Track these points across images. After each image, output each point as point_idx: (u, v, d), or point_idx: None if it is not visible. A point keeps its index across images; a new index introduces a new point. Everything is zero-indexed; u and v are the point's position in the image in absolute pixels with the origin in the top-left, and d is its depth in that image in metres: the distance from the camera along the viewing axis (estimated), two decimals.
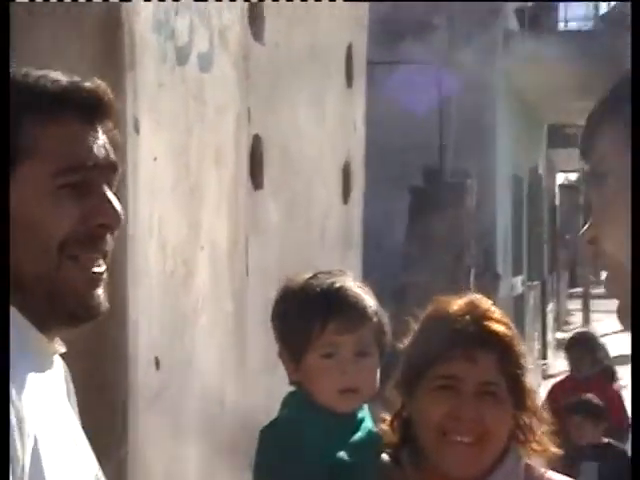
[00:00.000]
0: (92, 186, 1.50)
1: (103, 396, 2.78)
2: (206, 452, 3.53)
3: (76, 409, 1.64)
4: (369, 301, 2.15)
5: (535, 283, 14.75)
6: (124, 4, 2.82)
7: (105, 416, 2.84)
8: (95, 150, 1.49)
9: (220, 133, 3.55)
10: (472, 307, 2.22)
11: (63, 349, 1.57)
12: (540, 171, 16.19)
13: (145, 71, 2.95)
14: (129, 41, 2.86)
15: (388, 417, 2.21)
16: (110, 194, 1.51)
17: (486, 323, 2.19)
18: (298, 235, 4.38)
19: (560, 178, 22.96)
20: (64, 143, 1.48)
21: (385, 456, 2.16)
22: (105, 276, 1.52)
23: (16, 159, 1.45)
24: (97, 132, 1.51)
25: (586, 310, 21.96)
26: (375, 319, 2.13)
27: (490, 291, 7.50)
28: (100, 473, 1.63)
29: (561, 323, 20.21)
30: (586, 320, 21.05)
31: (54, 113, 1.48)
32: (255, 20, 3.85)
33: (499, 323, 2.21)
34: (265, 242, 4.02)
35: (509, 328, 2.22)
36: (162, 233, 3.10)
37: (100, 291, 1.50)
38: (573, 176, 24.02)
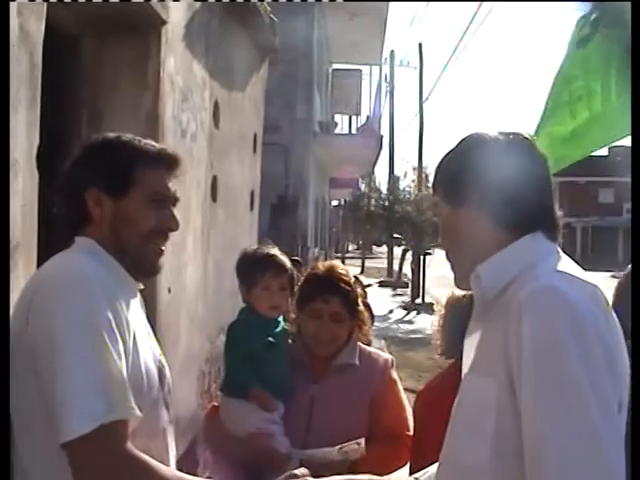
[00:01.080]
0: (166, 205, 1.97)
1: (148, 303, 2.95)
2: (190, 329, 4.80)
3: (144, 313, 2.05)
4: (286, 261, 2.87)
5: (322, 250, 23.17)
6: (160, 103, 3.96)
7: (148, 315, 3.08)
8: (169, 186, 1.98)
9: (199, 172, 5.07)
10: (329, 268, 2.94)
11: (142, 286, 2.01)
12: (325, 198, 26.21)
13: (167, 141, 4.15)
14: (161, 125, 4.09)
15: (291, 323, 2.94)
16: (174, 211, 1.99)
17: (335, 277, 2.87)
18: (231, 226, 6.06)
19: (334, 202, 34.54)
20: (156, 180, 1.94)
21: (290, 340, 2.91)
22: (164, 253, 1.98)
23: (131, 185, 1.91)
24: (171, 176, 1.98)
25: (343, 264, 27.95)
26: (289, 270, 2.85)
27: (304, 254, 13.30)
28: (160, 352, 2.07)
29: None
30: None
31: (152, 163, 1.93)
32: (215, 116, 5.42)
33: (343, 277, 2.88)
34: (217, 231, 5.62)
35: (349, 279, 2.91)
36: None
37: (161, 261, 2.00)
38: (335, 202, 35.90)
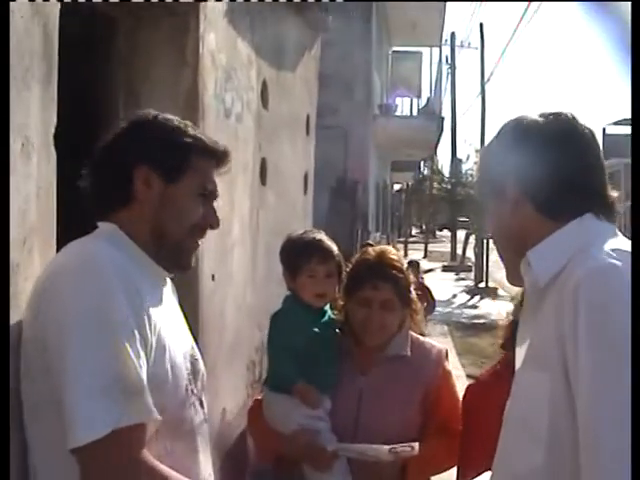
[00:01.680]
0: (210, 200, 1.92)
1: (188, 296, 3.16)
2: (237, 317, 4.72)
3: (177, 302, 2.01)
4: (333, 246, 2.79)
5: (383, 235, 23.16)
6: (200, 81, 3.78)
7: (190, 312, 2.98)
8: (215, 179, 1.93)
9: (246, 154, 4.88)
10: (380, 253, 2.81)
11: (172, 275, 1.97)
12: (387, 182, 25.50)
13: (208, 121, 3.97)
14: (201, 105, 3.88)
15: (339, 311, 2.84)
16: (217, 208, 1.93)
17: (386, 263, 2.76)
18: (283, 210, 5.97)
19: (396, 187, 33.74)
20: (207, 171, 1.90)
21: (338, 330, 2.82)
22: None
23: (185, 171, 1.83)
24: (218, 171, 1.94)
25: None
26: (336, 257, 2.78)
27: (364, 239, 13.85)
28: (194, 344, 1.99)
29: None
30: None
31: (206, 154, 1.89)
32: (263, 97, 5.26)
33: (395, 262, 2.77)
34: (266, 213, 5.44)
35: (401, 265, 2.79)
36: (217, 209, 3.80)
37: (195, 256, 1.93)
38: (398, 186, 35.42)
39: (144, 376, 1.64)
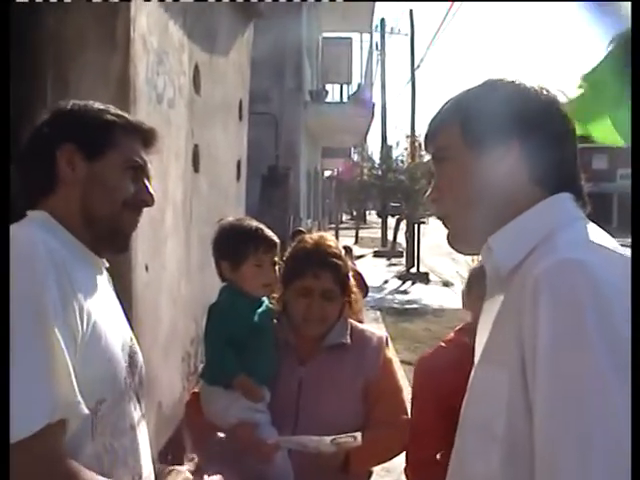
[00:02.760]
0: (141, 177, 1.88)
1: (121, 288, 3.37)
2: (172, 309, 4.67)
3: (114, 293, 1.96)
4: (274, 235, 2.75)
5: (315, 221, 23.40)
6: (131, 66, 3.71)
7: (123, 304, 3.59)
8: (144, 156, 1.89)
9: (178, 141, 4.81)
10: (318, 240, 2.78)
11: (107, 264, 1.93)
12: (318, 168, 25.77)
13: (140, 106, 3.94)
14: (132, 89, 3.81)
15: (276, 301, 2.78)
16: (149, 184, 1.90)
17: (324, 251, 2.72)
18: (216, 198, 5.91)
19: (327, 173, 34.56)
20: (133, 146, 1.86)
21: (275, 320, 2.76)
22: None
23: (108, 147, 1.80)
24: (146, 150, 1.91)
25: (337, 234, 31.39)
26: (277, 245, 2.74)
27: (296, 226, 13.35)
28: (132, 334, 1.92)
29: None
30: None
31: (129, 130, 1.87)
32: (196, 82, 5.21)
33: (333, 250, 2.74)
34: (199, 201, 5.39)
35: (339, 252, 2.76)
36: None
37: (132, 236, 1.90)
38: (327, 173, 36.35)
39: (71, 367, 1.57)
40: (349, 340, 2.74)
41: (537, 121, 1.47)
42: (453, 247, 1.61)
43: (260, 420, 2.58)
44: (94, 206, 1.79)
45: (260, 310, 2.69)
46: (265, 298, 2.74)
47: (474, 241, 1.54)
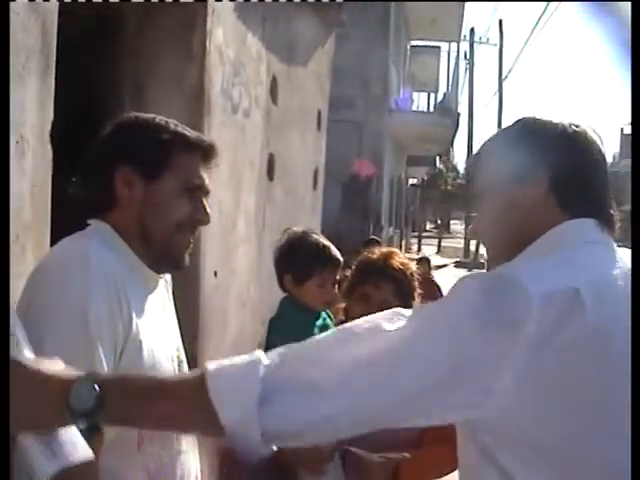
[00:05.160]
0: (198, 196, 1.86)
1: (188, 293, 3.48)
2: (240, 318, 4.79)
3: (172, 304, 1.98)
4: (338, 253, 2.77)
5: (397, 229, 23.44)
6: (206, 77, 3.84)
7: (190, 308, 3.61)
8: (202, 174, 1.87)
9: (253, 150, 4.92)
10: (387, 254, 2.73)
11: (162, 277, 1.93)
12: (402, 176, 25.97)
13: (214, 116, 4.05)
14: (207, 100, 3.94)
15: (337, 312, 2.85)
16: (206, 204, 1.88)
17: (390, 264, 2.68)
18: (291, 206, 6.03)
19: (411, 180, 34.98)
20: (191, 167, 1.84)
21: None
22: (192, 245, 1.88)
23: (166, 168, 1.79)
24: (205, 167, 1.88)
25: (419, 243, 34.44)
26: (341, 264, 2.77)
27: (377, 233, 13.57)
28: (181, 346, 1.95)
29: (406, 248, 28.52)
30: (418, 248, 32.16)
31: (188, 149, 1.84)
32: (273, 92, 5.30)
33: (399, 265, 2.69)
34: (273, 209, 5.52)
35: (405, 269, 2.70)
36: (221, 205, 4.07)
37: (187, 254, 1.88)
38: (413, 181, 36.26)
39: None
40: None
41: (565, 157, 1.50)
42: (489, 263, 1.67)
43: None
44: (149, 227, 1.80)
45: (319, 323, 2.72)
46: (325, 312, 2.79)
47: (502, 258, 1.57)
